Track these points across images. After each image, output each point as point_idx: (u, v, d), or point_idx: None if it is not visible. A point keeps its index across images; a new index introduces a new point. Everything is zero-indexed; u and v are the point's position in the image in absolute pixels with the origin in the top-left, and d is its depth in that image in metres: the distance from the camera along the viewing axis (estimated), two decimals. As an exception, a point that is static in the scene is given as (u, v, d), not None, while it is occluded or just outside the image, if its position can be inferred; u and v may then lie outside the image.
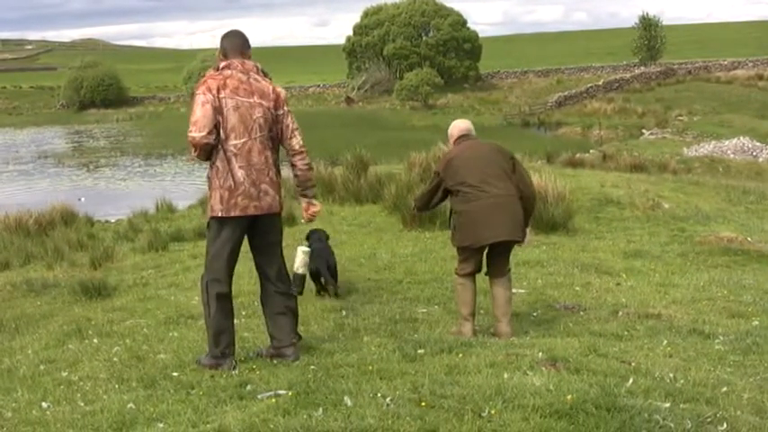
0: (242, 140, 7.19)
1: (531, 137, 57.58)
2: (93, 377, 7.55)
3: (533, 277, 11.70)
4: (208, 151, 7.23)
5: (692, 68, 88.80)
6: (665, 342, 7.83)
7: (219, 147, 7.22)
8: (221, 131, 7.19)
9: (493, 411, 5.55)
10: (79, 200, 27.68)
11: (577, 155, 32.53)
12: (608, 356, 7.21)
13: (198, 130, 7.12)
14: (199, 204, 23.97)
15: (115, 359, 8.18)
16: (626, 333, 8.37)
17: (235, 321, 9.44)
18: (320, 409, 5.78)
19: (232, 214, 7.25)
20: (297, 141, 7.50)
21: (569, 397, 5.72)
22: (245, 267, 13.30)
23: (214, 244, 7.40)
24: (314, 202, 7.82)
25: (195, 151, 7.28)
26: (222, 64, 7.38)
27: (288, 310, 7.77)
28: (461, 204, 8.42)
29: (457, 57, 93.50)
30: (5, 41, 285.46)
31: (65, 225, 22.27)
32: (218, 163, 7.24)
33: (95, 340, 9.26)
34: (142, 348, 8.57)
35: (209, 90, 7.17)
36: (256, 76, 7.38)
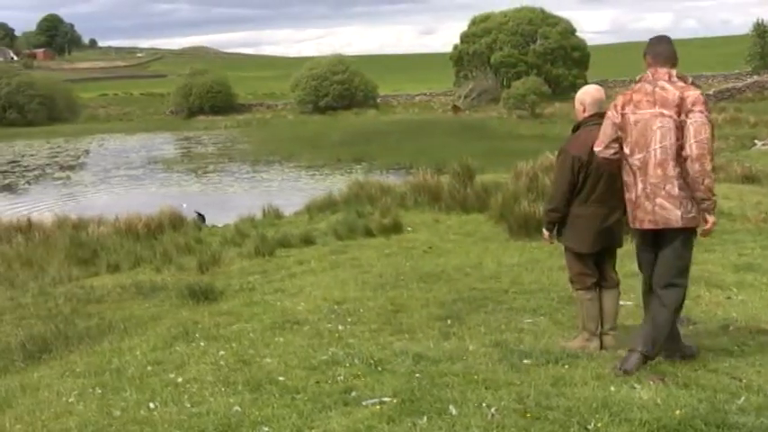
0: (641, 155, 7.29)
1: (640, 147, 56.48)
2: (199, 380, 7.67)
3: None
4: (613, 164, 7.57)
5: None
6: (778, 359, 7.66)
7: (625, 161, 7.44)
8: (625, 147, 7.40)
9: (599, 425, 5.50)
10: (182, 206, 27.99)
11: (687, 165, 31.82)
12: (718, 372, 7.08)
13: (597, 145, 7.56)
14: (305, 211, 24.17)
15: (221, 362, 8.30)
16: (736, 348, 8.19)
17: (340, 327, 9.58)
18: (425, 418, 5.79)
19: (636, 226, 7.48)
20: (690, 146, 7.15)
21: (678, 412, 5.64)
22: (351, 274, 13.45)
23: (637, 252, 7.82)
24: (707, 216, 7.37)
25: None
26: (639, 76, 7.55)
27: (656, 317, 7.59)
28: (581, 207, 8.14)
29: (565, 65, 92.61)
30: (117, 49, 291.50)
31: (173, 229, 22.67)
32: (625, 177, 7.48)
33: (202, 343, 9.41)
34: (248, 352, 8.68)
35: (615, 107, 7.46)
36: (664, 84, 7.29)
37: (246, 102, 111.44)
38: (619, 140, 7.41)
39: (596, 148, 7.55)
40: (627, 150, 7.36)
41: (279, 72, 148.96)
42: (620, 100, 7.45)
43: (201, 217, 27.15)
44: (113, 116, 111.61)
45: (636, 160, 7.30)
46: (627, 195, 7.48)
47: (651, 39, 7.61)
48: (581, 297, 8.40)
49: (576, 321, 8.76)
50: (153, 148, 71.58)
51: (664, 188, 7.18)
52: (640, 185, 7.30)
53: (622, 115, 7.36)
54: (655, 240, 7.48)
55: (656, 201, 7.21)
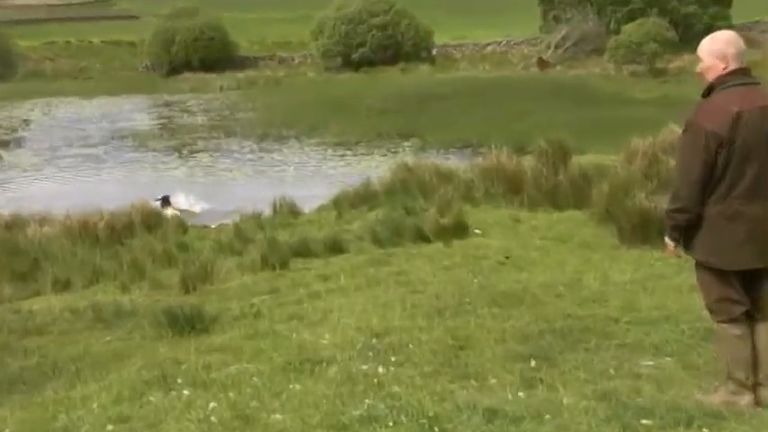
0: None
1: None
2: (182, 443, 7.65)
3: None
4: None
5: None
6: None
7: None
8: None
9: None
10: (156, 200, 28.13)
11: None
12: None
13: None
14: (332, 206, 24.21)
15: (213, 419, 8.29)
16: None
17: (380, 370, 9.56)
18: (502, 502, 5.72)
19: None
20: None
21: None
22: (395, 295, 13.43)
23: None
24: None
25: None
26: None
27: None
28: (721, 205, 7.98)
29: (698, 2, 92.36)
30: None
31: (147, 231, 22.79)
32: None
33: (186, 392, 9.41)
34: (251, 405, 8.67)
35: None
36: None
37: (251, 54, 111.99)
38: None
39: None
40: None
41: (296, 13, 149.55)
42: None
43: (165, 200, 28.20)
44: (64, 73, 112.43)
45: None
46: None
47: None
48: (725, 332, 8.25)
49: (718, 365, 8.66)
50: (119, 118, 72.10)
51: None
52: None
53: None
54: None
55: None
